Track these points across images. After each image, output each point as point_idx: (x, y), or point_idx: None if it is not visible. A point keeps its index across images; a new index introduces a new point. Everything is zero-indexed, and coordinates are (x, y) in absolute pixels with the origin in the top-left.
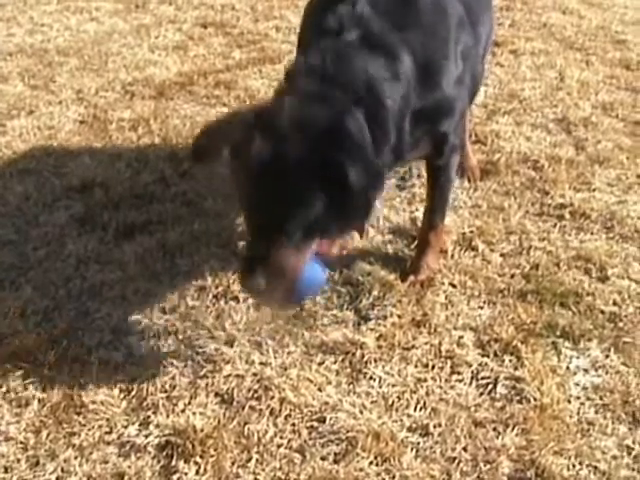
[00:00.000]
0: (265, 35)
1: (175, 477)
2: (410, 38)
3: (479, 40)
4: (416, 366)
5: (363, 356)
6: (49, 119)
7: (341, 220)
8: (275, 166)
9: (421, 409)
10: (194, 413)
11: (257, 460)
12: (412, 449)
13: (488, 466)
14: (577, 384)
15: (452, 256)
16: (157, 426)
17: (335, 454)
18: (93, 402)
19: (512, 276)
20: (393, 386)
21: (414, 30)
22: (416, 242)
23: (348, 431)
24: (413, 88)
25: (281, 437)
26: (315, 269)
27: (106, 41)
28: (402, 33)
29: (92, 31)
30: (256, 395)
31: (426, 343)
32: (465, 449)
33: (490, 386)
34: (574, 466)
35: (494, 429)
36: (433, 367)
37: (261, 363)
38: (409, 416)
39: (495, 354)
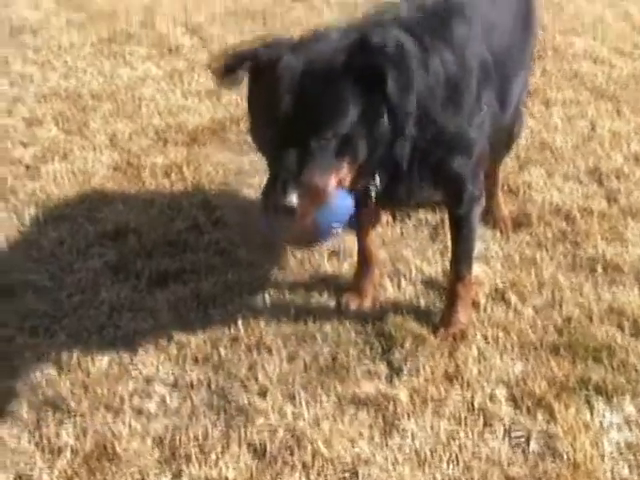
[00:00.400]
0: None
1: None
2: (443, 51)
3: (507, 93)
4: (449, 420)
5: (395, 410)
6: (83, 164)
7: (370, 140)
8: (311, 72)
9: (454, 465)
10: (227, 465)
11: None
12: None
13: None
14: (610, 441)
15: (484, 309)
16: (190, 477)
17: None
18: (126, 451)
19: (545, 330)
20: (426, 441)
21: (446, 48)
22: (446, 295)
23: None
24: (434, 96)
25: None
26: (342, 194)
27: (139, 86)
28: (436, 42)
29: (125, 76)
30: (289, 448)
31: (458, 397)
32: None
33: (523, 442)
34: None
35: None
36: (466, 422)
37: (294, 415)
38: (442, 472)
39: (528, 409)
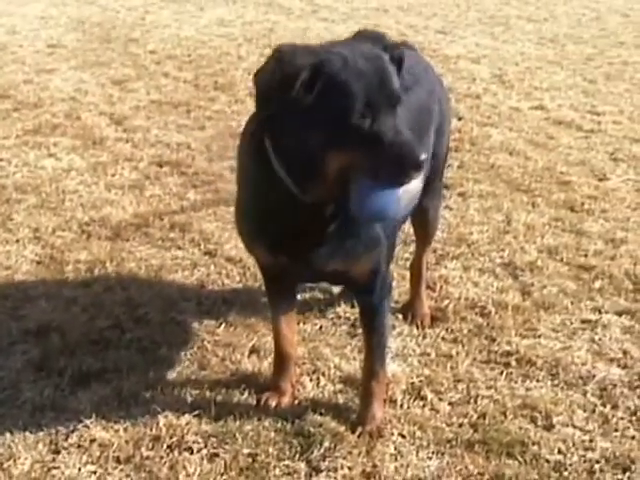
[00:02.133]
0: (220, 176)
1: None
2: None
3: None
4: None
5: None
6: (6, 258)
7: None
8: (383, 62)
9: None
10: None
11: None
12: None
13: None
14: None
15: (401, 406)
16: None
17: None
18: None
19: (460, 425)
20: None
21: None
22: (360, 393)
23: None
24: None
25: None
26: None
27: (64, 178)
28: None
29: (50, 167)
30: None
31: None
32: None
33: None
34: None
35: None
36: None
37: None
38: None
39: None
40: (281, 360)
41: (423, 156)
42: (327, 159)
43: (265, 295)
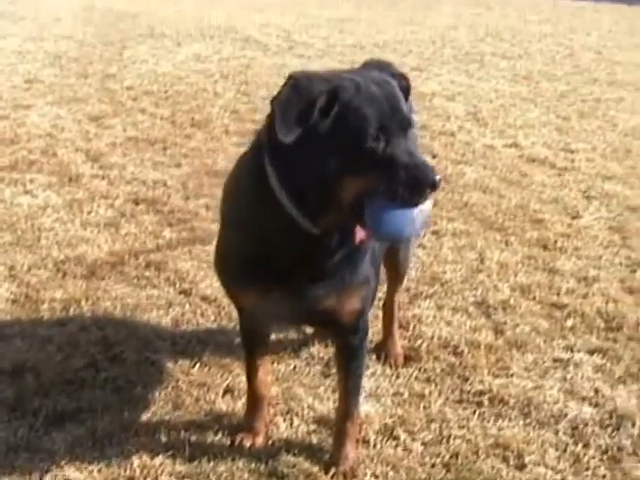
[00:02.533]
0: (195, 214)
1: None
2: None
3: None
4: None
5: None
6: None
7: None
8: (392, 88)
9: None
10: None
11: None
12: None
13: None
14: None
15: (374, 446)
16: None
17: None
18: None
19: (433, 466)
20: None
21: None
22: (334, 433)
23: None
24: None
25: None
26: None
27: (40, 216)
28: None
29: (26, 204)
30: None
31: None
32: None
33: None
34: None
35: None
36: None
37: None
38: None
39: None
40: (255, 401)
41: (438, 177)
42: (344, 184)
43: (239, 335)
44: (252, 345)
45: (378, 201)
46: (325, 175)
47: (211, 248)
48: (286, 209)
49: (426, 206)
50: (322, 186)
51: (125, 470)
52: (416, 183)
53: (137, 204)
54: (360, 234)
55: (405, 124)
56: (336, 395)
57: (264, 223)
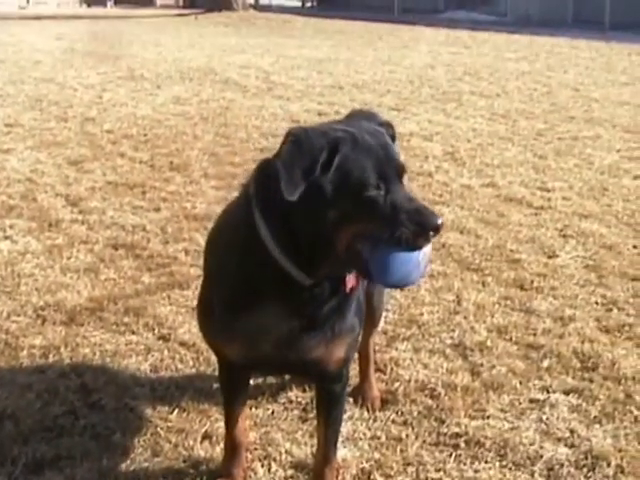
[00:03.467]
0: (174, 258)
1: None
2: None
3: None
4: None
5: None
6: None
7: None
8: (385, 139)
9: None
10: None
11: None
12: None
13: None
14: None
15: None
16: None
17: None
18: None
19: None
20: None
21: None
22: (311, 478)
23: None
24: None
25: None
26: None
27: (19, 261)
28: None
29: (6, 250)
30: None
31: None
32: None
33: None
34: None
35: None
36: None
37: None
38: None
39: None
40: (233, 447)
41: (440, 220)
42: (345, 234)
43: (219, 382)
44: (231, 393)
45: (382, 249)
46: (326, 227)
47: (190, 293)
48: (278, 262)
49: (428, 249)
50: (322, 238)
51: None
52: (420, 227)
53: (116, 249)
54: (351, 282)
55: (400, 171)
56: (314, 440)
57: (253, 276)
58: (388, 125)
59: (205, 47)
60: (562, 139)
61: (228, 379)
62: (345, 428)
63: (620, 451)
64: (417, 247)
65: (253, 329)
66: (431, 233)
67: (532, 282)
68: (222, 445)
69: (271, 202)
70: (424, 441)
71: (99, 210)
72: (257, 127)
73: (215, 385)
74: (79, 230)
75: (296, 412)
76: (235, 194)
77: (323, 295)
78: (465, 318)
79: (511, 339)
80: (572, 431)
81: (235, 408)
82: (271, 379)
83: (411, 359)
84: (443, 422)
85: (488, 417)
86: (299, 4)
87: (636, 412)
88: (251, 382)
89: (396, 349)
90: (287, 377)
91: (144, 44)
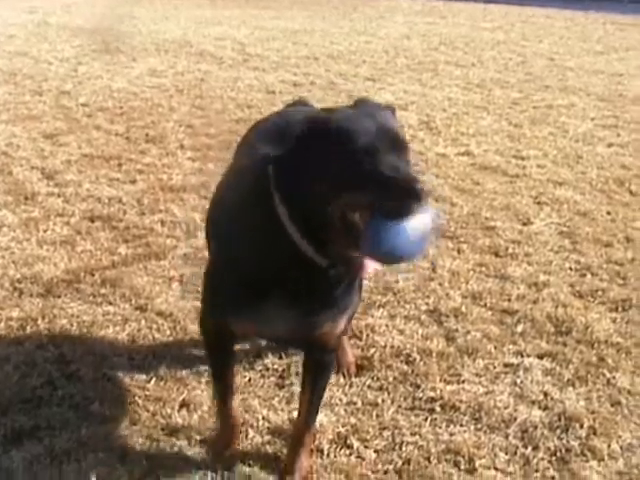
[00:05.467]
0: (151, 229)
1: None
2: None
3: None
4: None
5: None
6: None
7: None
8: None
9: None
10: None
11: None
12: None
13: None
14: None
15: (328, 455)
16: None
17: None
18: None
19: (385, 472)
20: None
21: None
22: (290, 443)
23: None
24: None
25: None
26: None
27: None
28: None
29: None
30: None
31: None
32: None
33: None
34: None
35: None
36: None
37: None
38: None
39: None
40: (228, 421)
41: (420, 186)
42: (337, 204)
43: (199, 348)
44: (224, 363)
45: (374, 221)
46: (322, 198)
47: (166, 263)
48: (297, 245)
49: (422, 222)
50: (320, 212)
51: None
52: (400, 196)
53: (92, 221)
54: (368, 267)
55: (397, 144)
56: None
57: (271, 259)
58: (391, 109)
59: (180, 19)
60: (537, 108)
61: (221, 354)
62: None
63: (593, 413)
64: (399, 217)
65: (270, 312)
66: (413, 201)
67: (507, 249)
68: (200, 413)
69: (290, 185)
70: (400, 406)
71: (75, 183)
72: (233, 98)
73: (193, 352)
74: (55, 203)
75: (272, 379)
76: (221, 167)
77: (339, 276)
78: (440, 285)
79: (486, 305)
80: (546, 394)
81: (228, 378)
82: (247, 346)
83: (387, 325)
84: (418, 387)
85: (463, 381)
86: None
87: (608, 375)
88: None
89: (372, 316)
90: (263, 344)
91: (119, 17)
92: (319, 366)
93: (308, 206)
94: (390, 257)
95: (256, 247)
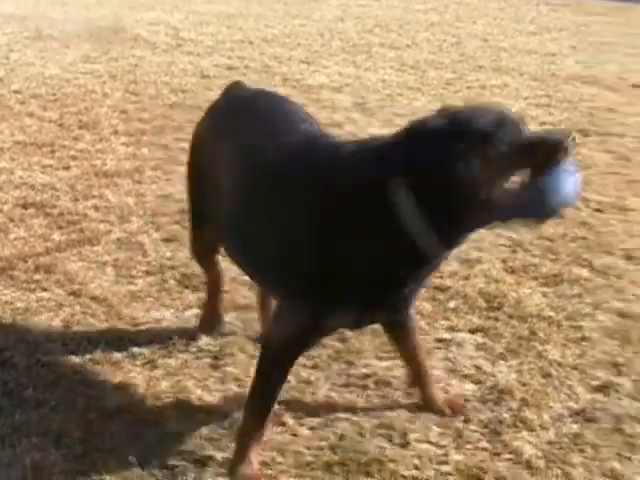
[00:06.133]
0: (84, 215)
1: None
2: None
3: None
4: None
5: None
6: None
7: None
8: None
9: None
10: None
11: None
12: None
13: None
14: None
15: None
16: None
17: None
18: None
19: (320, 449)
20: None
21: None
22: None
23: None
24: None
25: None
26: None
27: None
28: None
29: None
30: None
31: None
32: None
33: None
34: None
35: None
36: None
37: None
38: None
39: None
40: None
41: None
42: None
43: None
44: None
45: (538, 178)
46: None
47: (100, 248)
48: (412, 236)
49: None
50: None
51: (17, 473)
52: (554, 151)
53: (26, 208)
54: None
55: (520, 120)
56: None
57: (382, 245)
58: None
59: (114, 4)
60: (471, 88)
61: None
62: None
63: (524, 385)
64: (557, 163)
65: (373, 301)
66: (560, 146)
67: None
68: (135, 396)
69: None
70: (334, 383)
71: (7, 170)
72: (166, 83)
73: (127, 337)
74: None
75: (207, 360)
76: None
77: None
78: None
79: None
80: (478, 368)
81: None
82: (183, 328)
83: None
84: (352, 364)
85: (396, 358)
86: None
87: (540, 347)
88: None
89: None
90: (196, 326)
91: (51, 3)
92: (409, 318)
93: (451, 197)
94: (565, 203)
95: (368, 244)
